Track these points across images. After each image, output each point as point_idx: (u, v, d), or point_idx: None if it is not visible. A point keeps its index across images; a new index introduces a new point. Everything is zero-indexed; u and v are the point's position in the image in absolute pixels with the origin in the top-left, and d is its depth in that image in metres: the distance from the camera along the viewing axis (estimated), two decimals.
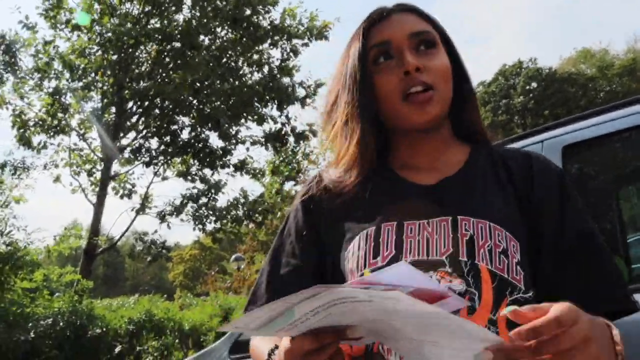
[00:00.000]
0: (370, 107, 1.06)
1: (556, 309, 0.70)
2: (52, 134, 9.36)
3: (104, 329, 7.76)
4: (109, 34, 8.62)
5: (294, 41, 9.17)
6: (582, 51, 35.54)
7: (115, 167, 9.90)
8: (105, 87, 9.22)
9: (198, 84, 8.16)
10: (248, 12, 8.76)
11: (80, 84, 9.11)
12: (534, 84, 33.51)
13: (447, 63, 1.08)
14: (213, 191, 8.88)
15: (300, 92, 9.39)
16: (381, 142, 1.10)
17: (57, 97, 8.99)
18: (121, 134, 9.65)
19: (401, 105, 1.03)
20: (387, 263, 0.98)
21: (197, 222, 9.12)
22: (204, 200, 9.03)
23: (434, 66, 1.04)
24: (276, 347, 0.95)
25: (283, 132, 9.42)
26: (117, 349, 7.59)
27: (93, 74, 9.09)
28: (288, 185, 10.61)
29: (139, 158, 9.53)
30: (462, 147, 1.13)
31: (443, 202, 1.02)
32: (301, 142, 9.77)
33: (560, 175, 1.05)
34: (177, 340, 9.19)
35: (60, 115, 9.33)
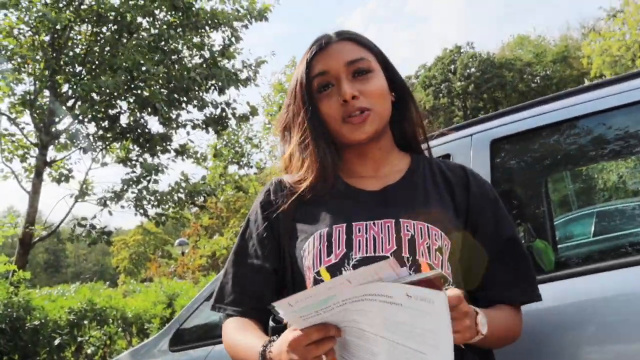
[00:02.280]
0: (320, 129, 1.20)
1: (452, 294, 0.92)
2: None
3: (43, 320, 7.51)
4: (39, 14, 8.23)
5: (235, 24, 9.02)
6: (519, 37, 36.72)
7: (51, 153, 9.53)
8: (37, 70, 8.82)
9: (134, 69, 7.91)
10: None
11: (10, 65, 8.68)
12: (473, 69, 34.37)
13: (383, 84, 1.23)
14: (153, 174, 8.68)
15: (242, 74, 9.28)
16: (335, 156, 1.23)
17: None
18: (56, 119, 9.29)
19: (340, 126, 1.19)
20: (339, 260, 1.12)
21: (138, 208, 8.92)
22: (144, 184, 8.82)
23: (369, 90, 1.19)
24: (270, 341, 1.06)
25: (224, 115, 9.30)
26: (56, 341, 7.37)
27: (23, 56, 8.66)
28: (232, 169, 10.55)
29: (75, 143, 9.20)
30: (404, 156, 1.31)
31: (387, 206, 1.18)
32: (242, 124, 9.68)
33: (492, 188, 1.29)
34: (120, 329, 9.04)
35: None
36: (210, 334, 2.67)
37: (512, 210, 2.34)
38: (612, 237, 5.06)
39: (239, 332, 1.21)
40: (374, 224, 1.15)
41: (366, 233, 1.14)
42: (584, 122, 2.01)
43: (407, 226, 1.14)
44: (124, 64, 7.85)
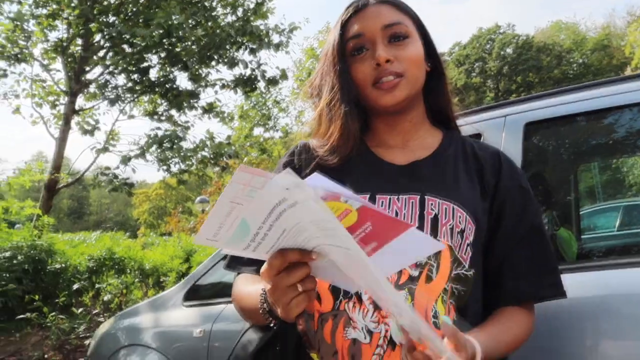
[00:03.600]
0: (350, 93, 1.16)
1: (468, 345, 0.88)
2: (12, 62, 8.96)
3: (64, 265, 7.72)
4: None
5: None
6: (556, 24, 35.69)
7: (80, 101, 9.62)
8: (70, 18, 8.83)
9: (169, 25, 7.85)
10: None
11: (45, 11, 8.70)
12: (509, 50, 33.57)
13: (420, 51, 1.18)
14: (179, 133, 8.70)
15: (274, 38, 9.18)
16: (361, 122, 1.19)
17: (19, 23, 8.55)
18: (87, 68, 9.34)
19: (371, 90, 1.15)
20: None
21: (161, 163, 8.99)
22: (169, 141, 8.87)
23: (405, 56, 1.14)
24: (263, 293, 1.04)
25: (253, 77, 9.23)
26: (75, 285, 7.57)
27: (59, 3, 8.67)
28: (257, 131, 10.54)
29: (104, 94, 9.26)
30: (435, 131, 1.26)
31: (414, 181, 1.15)
32: (271, 87, 9.61)
33: (523, 176, 1.24)
34: (137, 280, 9.23)
35: (22, 43, 8.92)
36: (224, 292, 2.70)
37: (539, 196, 2.30)
38: (635, 232, 4.98)
39: (247, 284, 1.19)
40: (397, 198, 1.12)
41: (389, 207, 1.11)
42: (621, 114, 1.94)
43: (431, 204, 1.11)
44: (159, 17, 7.79)
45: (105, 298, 7.49)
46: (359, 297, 1.07)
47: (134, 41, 8.12)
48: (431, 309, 1.06)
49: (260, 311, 1.04)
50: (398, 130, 1.22)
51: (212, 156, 9.38)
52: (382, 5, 1.19)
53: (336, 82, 1.17)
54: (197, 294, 2.85)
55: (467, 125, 1.42)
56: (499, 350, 1.05)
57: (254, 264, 1.20)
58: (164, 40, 8.13)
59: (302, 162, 1.23)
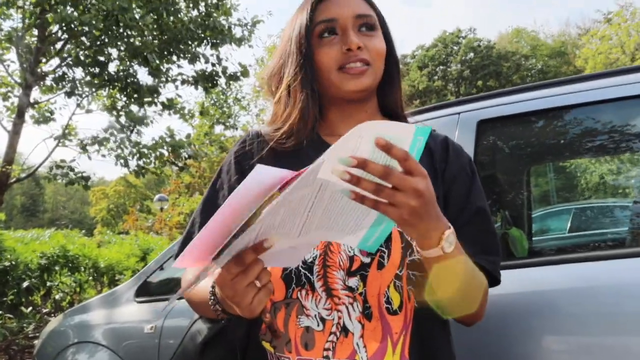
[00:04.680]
0: (311, 77, 1.16)
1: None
2: None
3: (13, 262, 7.46)
4: None
5: None
6: (516, 30, 36.71)
7: (36, 94, 9.32)
8: (26, 7, 8.55)
9: (123, 16, 7.68)
10: None
11: None
12: (472, 55, 34.28)
13: (384, 46, 1.20)
14: (135, 125, 8.53)
15: (237, 32, 9.10)
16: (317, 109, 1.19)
17: None
18: (43, 60, 9.06)
19: (336, 74, 1.15)
20: None
21: (118, 157, 8.80)
22: (126, 134, 8.68)
23: (373, 46, 1.17)
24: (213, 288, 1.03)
25: (214, 73, 9.13)
26: (25, 283, 7.33)
27: None
28: (217, 129, 10.43)
29: (61, 87, 8.99)
30: None
31: None
32: (232, 83, 9.52)
33: (470, 161, 1.26)
34: (91, 278, 9.02)
35: None
36: (175, 288, 2.66)
37: (492, 195, 2.34)
38: (586, 234, 5.14)
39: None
40: None
41: None
42: (573, 113, 1.99)
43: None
44: (110, 7, 7.61)
45: (57, 297, 7.30)
46: (311, 284, 1.08)
47: (92, 32, 7.91)
48: (383, 295, 1.07)
49: (212, 310, 1.03)
50: (353, 120, 1.22)
51: (170, 153, 9.24)
52: None
53: (300, 64, 1.17)
54: (149, 290, 2.80)
55: (421, 122, 1.43)
56: (469, 267, 1.03)
57: None
58: (116, 31, 7.94)
59: (253, 149, 1.22)
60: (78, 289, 8.27)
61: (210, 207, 1.23)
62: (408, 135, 0.82)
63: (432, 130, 1.42)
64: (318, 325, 1.06)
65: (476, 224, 1.18)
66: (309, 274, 1.08)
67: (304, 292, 1.08)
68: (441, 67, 35.36)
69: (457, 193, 1.19)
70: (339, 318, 1.06)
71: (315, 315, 1.07)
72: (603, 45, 23.18)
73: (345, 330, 1.05)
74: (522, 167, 2.77)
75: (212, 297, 1.03)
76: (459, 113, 1.93)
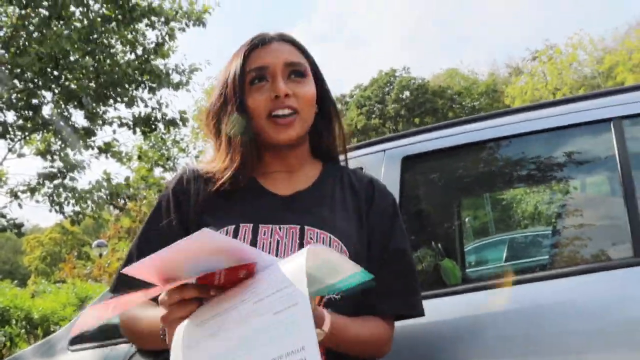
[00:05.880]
0: (248, 122, 1.21)
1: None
2: None
3: None
4: None
5: (172, 24, 8.85)
6: (450, 70, 38.37)
7: None
8: None
9: (61, 58, 7.56)
10: None
11: None
12: (407, 93, 35.45)
13: (314, 91, 1.26)
14: (69, 171, 8.29)
15: (175, 77, 9.10)
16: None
17: None
18: None
19: (265, 122, 1.20)
20: None
21: (53, 204, 8.50)
22: (61, 180, 8.41)
23: (301, 93, 1.22)
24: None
25: (153, 118, 9.05)
26: None
27: None
28: (156, 172, 10.28)
29: None
30: (316, 164, 1.35)
31: (294, 212, 1.21)
32: (171, 128, 9.46)
33: (394, 202, 1.33)
34: (23, 330, 8.56)
35: None
36: (110, 334, 2.59)
37: (420, 228, 2.43)
38: (522, 261, 5.33)
39: (142, 308, 1.20)
40: (279, 228, 1.18)
41: (271, 237, 1.16)
42: (495, 146, 2.11)
43: (310, 234, 1.17)
44: (50, 50, 7.49)
45: None
46: None
47: (24, 74, 7.72)
48: None
49: (162, 335, 1.04)
50: (284, 162, 1.28)
51: (108, 197, 9.00)
52: (284, 43, 1.27)
53: (234, 112, 1.22)
54: (84, 338, 2.71)
55: (350, 159, 1.50)
56: (357, 336, 1.12)
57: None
58: (54, 74, 7.79)
59: (190, 186, 1.26)
60: (9, 344, 7.82)
61: (145, 241, 1.26)
62: (349, 270, 0.92)
63: (360, 168, 1.50)
64: None
65: (396, 264, 1.26)
66: None
67: None
68: (378, 105, 36.32)
69: (379, 234, 1.26)
70: None
71: None
72: (528, 83, 24.53)
73: None
74: (451, 200, 2.89)
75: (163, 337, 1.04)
76: (384, 150, 2.02)
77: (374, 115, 36.26)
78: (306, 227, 1.18)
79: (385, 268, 1.23)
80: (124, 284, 1.24)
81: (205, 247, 0.86)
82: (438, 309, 1.62)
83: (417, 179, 2.18)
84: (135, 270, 0.89)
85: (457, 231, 3.12)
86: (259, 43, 1.25)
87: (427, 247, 2.48)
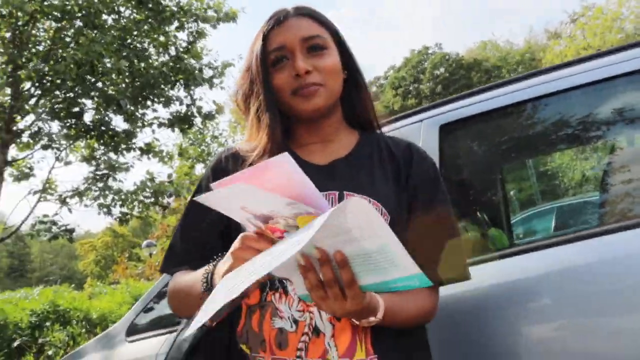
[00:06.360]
0: (273, 100, 1.23)
1: None
2: None
3: (2, 322, 7.34)
4: (1, 9, 8.03)
5: (201, 24, 8.96)
6: (483, 43, 37.39)
7: (13, 152, 9.29)
8: None
9: (98, 64, 7.77)
10: None
11: None
12: (442, 69, 34.82)
13: (337, 61, 1.26)
14: (113, 172, 8.52)
15: (208, 73, 9.20)
16: (284, 126, 1.26)
17: None
18: (18, 117, 9.06)
19: (290, 98, 1.23)
20: None
21: (101, 206, 8.76)
22: (105, 182, 8.65)
23: (323, 66, 1.23)
24: (207, 273, 1.10)
25: (189, 114, 9.20)
26: (16, 342, 7.20)
27: None
28: (198, 168, 10.46)
29: (37, 141, 8.99)
30: (353, 133, 1.35)
31: (333, 179, 1.23)
32: (207, 122, 9.59)
33: (433, 165, 1.32)
34: (84, 330, 8.88)
35: None
36: (164, 323, 2.67)
37: (463, 197, 2.39)
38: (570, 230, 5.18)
39: (183, 275, 1.24)
40: None
41: None
42: (535, 107, 2.05)
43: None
44: (85, 55, 7.69)
45: (50, 352, 7.18)
46: (284, 288, 1.14)
47: (65, 84, 7.95)
48: None
49: (202, 284, 1.08)
50: (318, 133, 1.30)
51: (153, 197, 9.22)
52: (301, 17, 1.27)
53: (260, 91, 1.24)
54: (139, 329, 2.80)
55: (387, 132, 1.49)
56: (403, 310, 1.13)
57: (187, 262, 1.26)
58: (93, 80, 8.00)
59: (229, 165, 1.29)
60: (71, 343, 8.13)
61: (190, 219, 1.30)
62: (409, 269, 0.91)
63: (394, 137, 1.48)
64: (291, 327, 1.12)
65: (439, 228, 1.25)
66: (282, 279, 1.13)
67: (277, 295, 1.14)
68: (414, 85, 35.87)
69: (421, 197, 1.26)
70: (311, 319, 1.12)
71: (288, 317, 1.13)
72: (569, 46, 23.71)
73: (317, 331, 1.12)
74: (493, 167, 2.83)
75: (207, 274, 1.09)
76: (421, 120, 2.00)
77: (410, 96, 35.85)
78: (345, 192, 1.20)
79: (428, 232, 1.22)
80: (172, 263, 1.28)
81: (282, 173, 0.90)
82: (490, 273, 1.60)
83: (456, 147, 2.15)
84: (213, 194, 0.95)
85: (502, 199, 3.04)
86: (275, 22, 1.26)
87: (472, 216, 2.43)
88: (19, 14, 8.14)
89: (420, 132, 1.96)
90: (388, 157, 1.30)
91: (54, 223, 8.69)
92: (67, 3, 8.30)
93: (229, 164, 1.29)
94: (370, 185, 1.22)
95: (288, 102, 1.23)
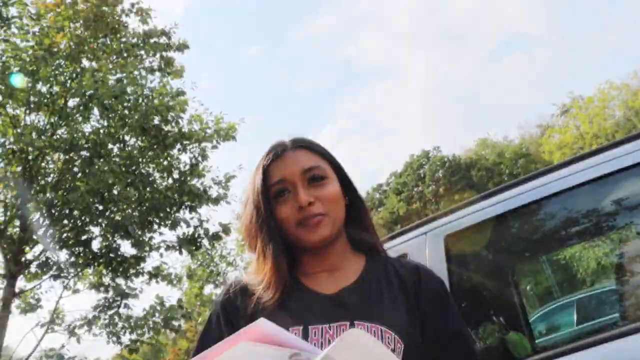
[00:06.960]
0: (276, 233, 1.24)
1: None
2: None
3: None
4: (12, 146, 8.38)
5: (203, 144, 9.28)
6: (481, 140, 38.33)
7: (20, 283, 9.27)
8: (7, 200, 8.80)
9: (105, 192, 7.97)
10: (157, 121, 8.85)
11: None
12: (441, 172, 35.42)
13: (337, 189, 1.29)
14: (123, 299, 8.44)
15: (213, 192, 9.40)
16: (289, 257, 1.26)
17: None
18: (26, 248, 9.14)
19: (295, 230, 1.24)
20: None
21: (110, 335, 8.57)
22: (115, 309, 8.54)
23: (325, 195, 1.25)
24: None
25: (196, 235, 9.27)
26: None
27: None
28: (208, 289, 10.34)
29: (45, 271, 8.99)
30: (358, 257, 1.34)
31: (342, 309, 1.21)
32: (215, 243, 9.62)
33: (442, 285, 1.32)
34: None
35: None
36: None
37: (477, 304, 2.34)
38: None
39: None
40: (329, 327, 1.18)
41: (322, 337, 1.16)
42: (537, 210, 2.07)
43: (361, 329, 1.16)
44: (95, 186, 7.91)
45: None
46: None
47: (73, 213, 8.10)
48: None
49: None
50: (324, 262, 1.29)
51: (163, 322, 9.05)
52: (299, 150, 1.31)
53: (264, 224, 1.25)
54: None
55: (393, 247, 1.49)
56: None
57: None
58: (101, 208, 8.15)
59: (237, 298, 1.28)
60: None
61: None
62: None
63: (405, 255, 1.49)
64: None
65: (454, 345, 1.23)
66: None
67: None
68: (416, 189, 36.24)
69: (432, 318, 1.24)
70: None
71: None
72: (565, 137, 24.33)
73: None
74: (504, 270, 2.79)
75: None
76: (425, 232, 2.01)
77: (413, 200, 36.11)
78: (356, 322, 1.18)
79: (444, 352, 1.21)
80: None
81: (262, 337, 0.89)
82: None
83: (463, 255, 2.14)
84: None
85: (518, 301, 2.97)
86: (274, 155, 1.30)
87: (489, 322, 2.37)
88: (30, 148, 8.48)
89: (425, 244, 1.97)
90: (396, 281, 1.29)
91: (61, 357, 8.47)
92: (75, 136, 8.68)
93: (237, 300, 1.28)
94: (380, 313, 1.21)
95: (293, 233, 1.25)
